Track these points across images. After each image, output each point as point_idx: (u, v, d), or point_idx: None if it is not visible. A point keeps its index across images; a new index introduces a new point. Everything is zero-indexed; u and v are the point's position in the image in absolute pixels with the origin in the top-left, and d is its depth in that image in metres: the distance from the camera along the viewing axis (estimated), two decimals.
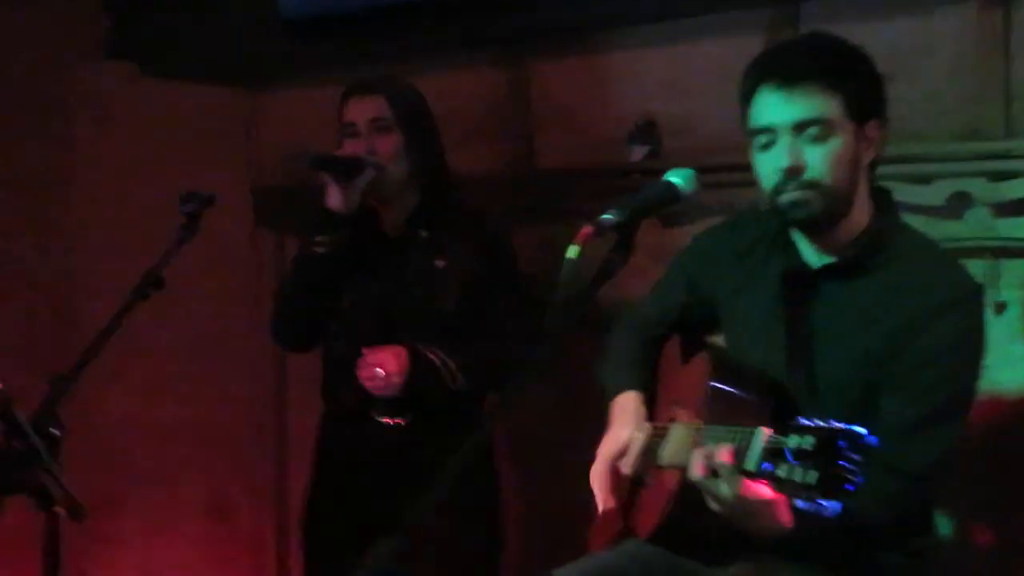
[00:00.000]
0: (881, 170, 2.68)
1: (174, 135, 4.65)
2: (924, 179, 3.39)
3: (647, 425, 2.72)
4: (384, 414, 3.45)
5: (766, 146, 2.55)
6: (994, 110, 3.36)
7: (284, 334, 3.68)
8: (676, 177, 2.47)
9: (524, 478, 4.00)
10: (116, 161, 4.65)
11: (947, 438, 2.51)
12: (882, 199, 2.65)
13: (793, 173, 2.52)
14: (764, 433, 2.22)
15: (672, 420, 2.70)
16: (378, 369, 3.36)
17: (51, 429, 2.71)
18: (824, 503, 2.10)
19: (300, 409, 4.45)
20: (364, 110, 3.47)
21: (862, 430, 2.10)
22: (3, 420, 2.65)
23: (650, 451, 2.70)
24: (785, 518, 2.34)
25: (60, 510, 2.61)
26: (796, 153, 2.52)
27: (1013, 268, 3.34)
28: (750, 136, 2.59)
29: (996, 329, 2.94)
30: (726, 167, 3.46)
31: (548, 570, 2.64)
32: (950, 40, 3.42)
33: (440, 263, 3.46)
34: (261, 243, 4.72)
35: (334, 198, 3.42)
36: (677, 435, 2.64)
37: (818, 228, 2.58)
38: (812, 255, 2.63)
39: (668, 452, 2.64)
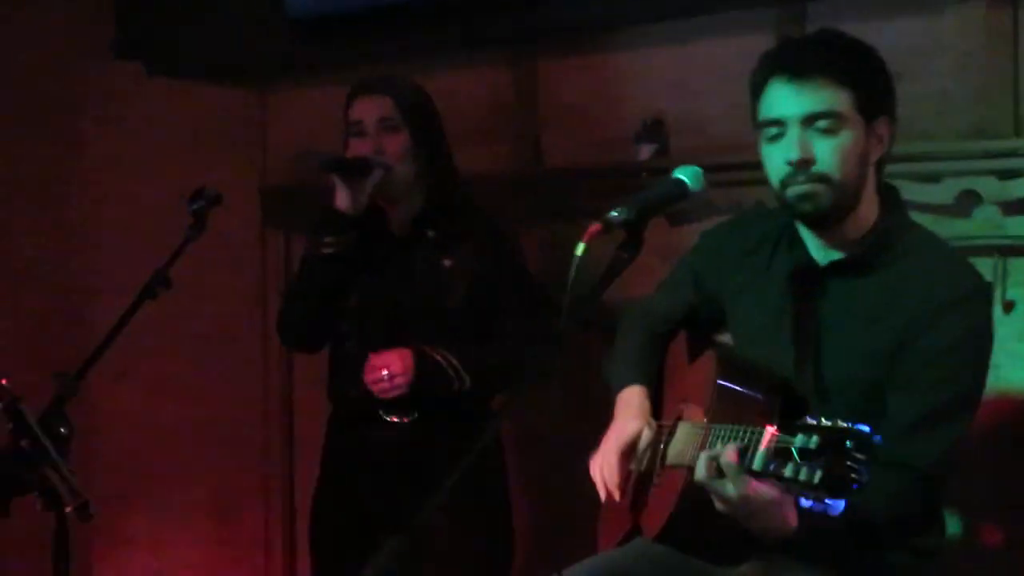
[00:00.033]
0: (889, 169, 2.68)
1: (181, 135, 4.66)
2: (933, 177, 3.39)
3: (652, 422, 2.72)
4: (391, 412, 3.45)
5: (775, 138, 2.55)
6: (1002, 108, 3.36)
7: (291, 335, 3.68)
8: (684, 174, 2.47)
9: (532, 477, 4.00)
10: (124, 161, 4.66)
11: (953, 435, 2.50)
12: (890, 197, 2.64)
13: (802, 165, 2.51)
14: (770, 432, 2.22)
15: (679, 419, 2.70)
16: (384, 371, 3.36)
17: (59, 428, 2.71)
18: (830, 502, 2.10)
19: (307, 409, 4.45)
20: (371, 109, 3.47)
21: (868, 429, 2.10)
22: (11, 419, 2.65)
23: (657, 449, 2.70)
24: (791, 518, 2.33)
25: (69, 509, 2.60)
26: (806, 145, 2.51)
27: (1021, 267, 3.33)
28: (759, 128, 2.58)
29: (1004, 328, 2.94)
30: (734, 166, 3.47)
31: (556, 569, 2.64)
32: (958, 39, 3.42)
33: (447, 262, 3.46)
34: (269, 243, 4.73)
35: (342, 199, 3.42)
36: (684, 434, 2.63)
37: (826, 223, 2.58)
38: (819, 252, 2.63)
39: (675, 451, 2.64)
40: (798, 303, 2.63)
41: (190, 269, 3.17)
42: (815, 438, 2.12)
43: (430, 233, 3.49)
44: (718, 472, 2.31)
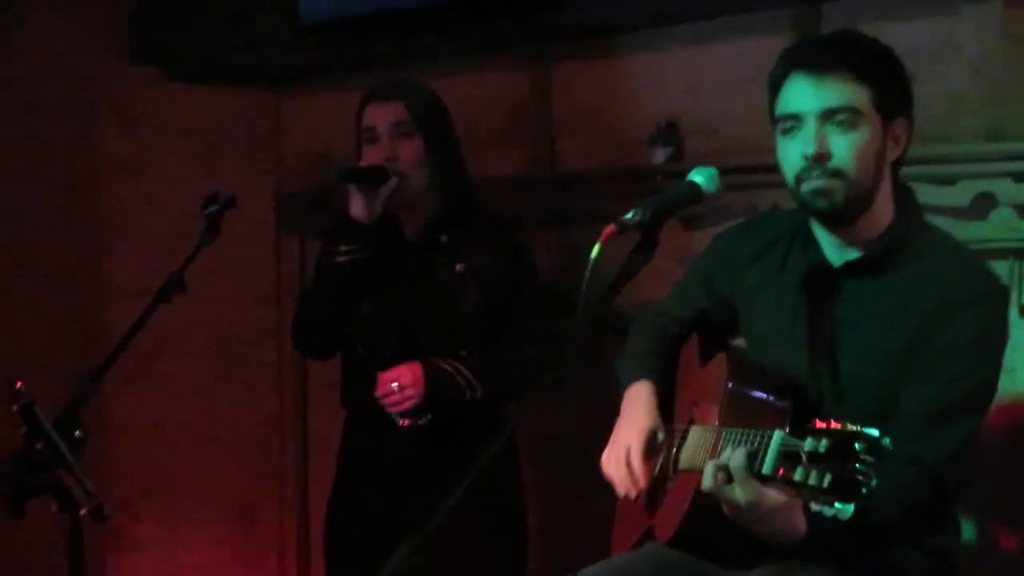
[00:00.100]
0: (905, 171, 2.67)
1: (197, 139, 4.68)
2: (948, 180, 3.38)
3: (658, 418, 2.71)
4: (404, 416, 3.45)
5: (792, 133, 2.54)
6: (1018, 110, 3.35)
7: (305, 342, 3.68)
8: (699, 176, 2.47)
9: (546, 479, 3.99)
10: (140, 165, 4.68)
11: (966, 431, 2.50)
12: (906, 197, 2.64)
13: (818, 160, 2.51)
14: (780, 436, 2.22)
15: (691, 422, 2.69)
16: (394, 383, 3.36)
17: (74, 430, 2.71)
18: (839, 506, 2.09)
19: (323, 413, 4.45)
20: (384, 115, 3.47)
21: (876, 432, 2.09)
22: (26, 421, 2.65)
23: (670, 453, 2.69)
24: (800, 523, 2.33)
25: (83, 511, 2.61)
26: (822, 140, 2.51)
27: None
28: (776, 123, 2.58)
29: (1020, 331, 2.93)
30: (749, 169, 3.47)
31: (570, 571, 2.63)
32: (974, 40, 3.41)
33: (459, 267, 3.46)
34: (283, 247, 4.73)
35: (357, 208, 3.42)
36: (696, 437, 2.63)
37: (840, 220, 2.57)
38: (834, 252, 2.62)
39: (687, 455, 2.63)
40: (812, 304, 2.62)
41: (205, 273, 3.18)
42: (824, 442, 2.11)
43: (443, 238, 3.50)
44: (727, 478, 2.31)
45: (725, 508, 2.35)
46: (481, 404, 3.41)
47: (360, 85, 3.64)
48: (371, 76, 3.78)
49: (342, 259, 3.44)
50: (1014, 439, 3.27)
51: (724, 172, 2.51)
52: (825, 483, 2.09)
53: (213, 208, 3.17)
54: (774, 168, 2.63)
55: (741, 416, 2.49)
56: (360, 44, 4.29)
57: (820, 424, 2.14)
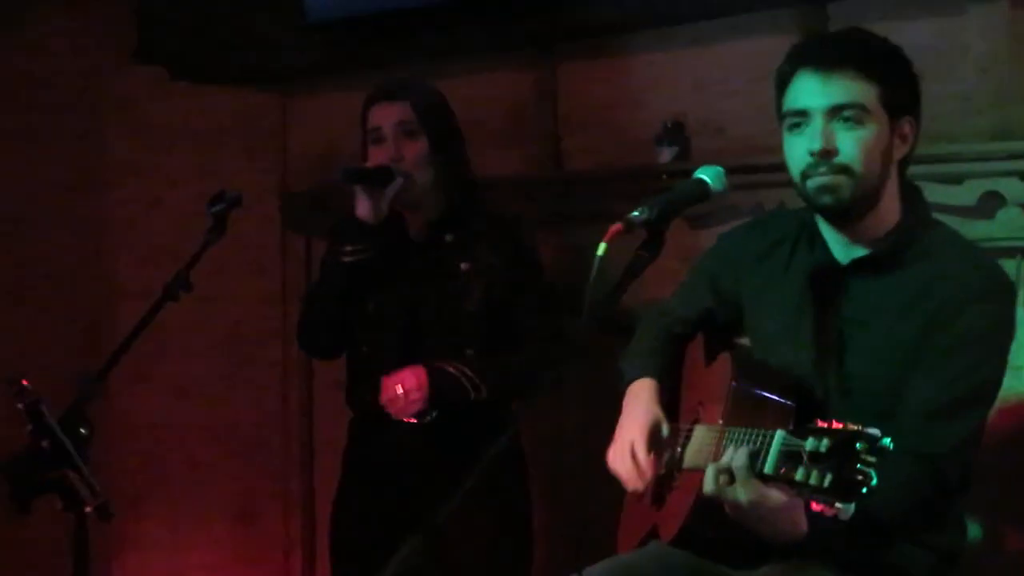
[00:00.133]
0: (912, 170, 2.67)
1: (203, 139, 4.68)
2: (955, 179, 3.38)
3: (661, 413, 2.71)
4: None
5: (799, 129, 2.54)
6: None
7: (311, 342, 3.68)
8: (706, 174, 2.48)
9: (552, 478, 3.99)
10: (145, 165, 4.68)
11: (969, 427, 2.50)
12: (913, 196, 2.64)
13: (824, 156, 2.51)
14: (781, 436, 2.21)
15: (696, 422, 2.69)
16: (398, 388, 3.36)
17: (79, 429, 2.71)
18: (840, 506, 2.09)
19: (328, 412, 4.45)
20: (389, 115, 3.47)
21: (878, 432, 2.09)
22: (32, 419, 2.66)
23: (675, 452, 2.69)
24: (801, 522, 2.33)
25: (89, 509, 2.61)
26: (829, 136, 2.51)
27: None
28: (783, 119, 2.58)
29: None
30: (755, 168, 3.47)
31: (576, 570, 2.63)
32: (981, 40, 3.41)
33: (464, 265, 3.46)
34: (289, 247, 4.73)
35: (363, 208, 3.42)
36: (700, 437, 2.63)
37: (846, 217, 2.57)
38: (841, 250, 2.61)
39: (691, 454, 2.63)
40: (819, 302, 2.62)
41: (211, 273, 3.18)
42: (825, 441, 2.11)
43: (448, 237, 3.50)
44: (728, 479, 2.31)
45: (727, 508, 2.35)
46: (486, 404, 3.41)
47: (365, 84, 3.63)
48: (376, 75, 3.77)
49: (348, 259, 3.45)
50: (1020, 439, 3.26)
51: (730, 171, 2.52)
52: (825, 483, 2.09)
53: (220, 206, 3.17)
54: (780, 167, 2.63)
55: (745, 415, 2.48)
56: (365, 43, 4.29)
57: (822, 424, 2.14)
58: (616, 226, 2.36)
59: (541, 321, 3.46)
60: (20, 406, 2.65)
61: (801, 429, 2.17)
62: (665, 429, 2.69)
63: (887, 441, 2.09)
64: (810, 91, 2.52)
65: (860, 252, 2.59)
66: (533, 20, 4.03)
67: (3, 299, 4.57)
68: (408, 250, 3.53)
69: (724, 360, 2.70)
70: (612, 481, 2.73)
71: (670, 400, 2.80)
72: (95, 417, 2.79)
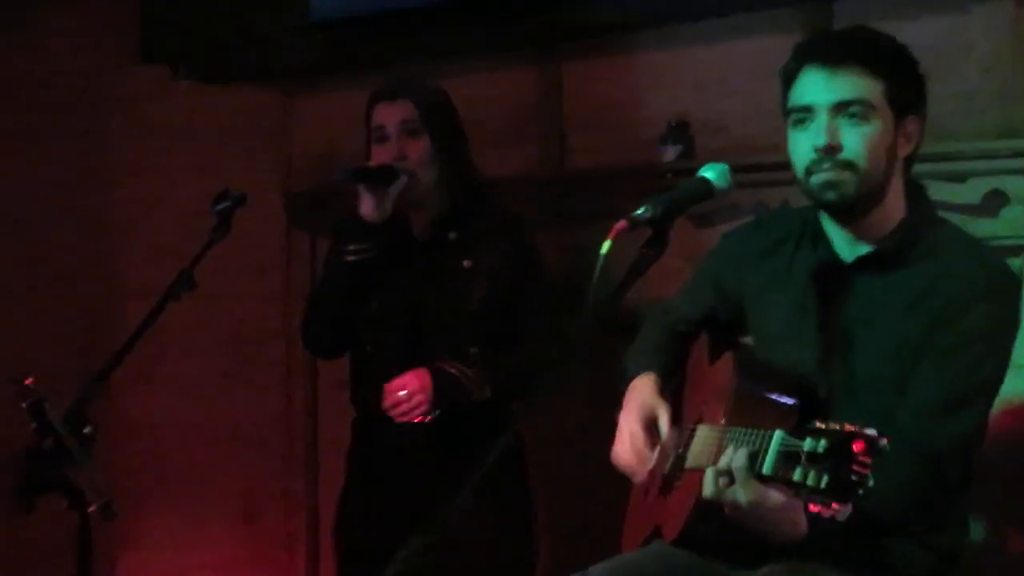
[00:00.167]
0: (917, 168, 2.67)
1: (206, 138, 4.68)
2: (959, 177, 3.38)
3: (662, 404, 2.71)
4: None
5: (804, 124, 2.54)
6: None
7: (315, 341, 3.68)
8: (710, 172, 2.47)
9: (556, 477, 3.98)
10: (149, 164, 4.69)
11: (970, 423, 2.50)
12: (917, 194, 2.63)
13: (829, 152, 2.50)
14: (779, 436, 2.21)
15: (699, 421, 2.69)
16: (401, 392, 3.35)
17: (83, 428, 2.71)
18: (837, 507, 2.09)
19: (332, 411, 4.45)
20: (392, 114, 3.47)
21: (875, 432, 2.09)
22: (35, 418, 2.66)
23: (678, 452, 2.69)
24: (801, 522, 2.33)
25: (92, 508, 2.61)
26: (834, 133, 2.51)
27: None
28: (788, 115, 2.58)
29: None
30: (759, 167, 3.47)
31: (580, 569, 2.63)
32: (985, 38, 3.41)
33: (467, 263, 3.46)
34: (294, 246, 4.73)
35: (367, 207, 3.42)
36: (703, 437, 2.63)
37: (850, 214, 2.56)
38: (846, 248, 2.61)
39: (694, 454, 2.63)
40: (823, 300, 2.62)
41: (215, 272, 3.17)
42: (823, 442, 2.11)
43: (451, 235, 3.50)
44: (728, 481, 2.31)
45: (727, 509, 2.35)
46: (490, 403, 3.40)
47: (370, 83, 3.63)
48: (381, 74, 3.77)
49: (351, 258, 3.45)
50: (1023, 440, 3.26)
51: (734, 170, 2.51)
52: (823, 484, 2.09)
53: (225, 204, 3.17)
54: (785, 166, 2.63)
55: (747, 415, 2.47)
56: (368, 42, 4.29)
57: (820, 424, 2.14)
58: (620, 224, 2.35)
59: (541, 321, 3.46)
60: (24, 405, 2.65)
61: (800, 429, 2.16)
62: (664, 418, 2.68)
63: (885, 442, 2.08)
64: (815, 87, 2.52)
65: (865, 249, 2.59)
66: (534, 20, 4.03)
67: (4, 299, 4.57)
68: (411, 249, 3.53)
69: (727, 359, 2.69)
70: (614, 481, 2.73)
71: (674, 399, 2.79)
72: (98, 416, 2.80)
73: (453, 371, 3.39)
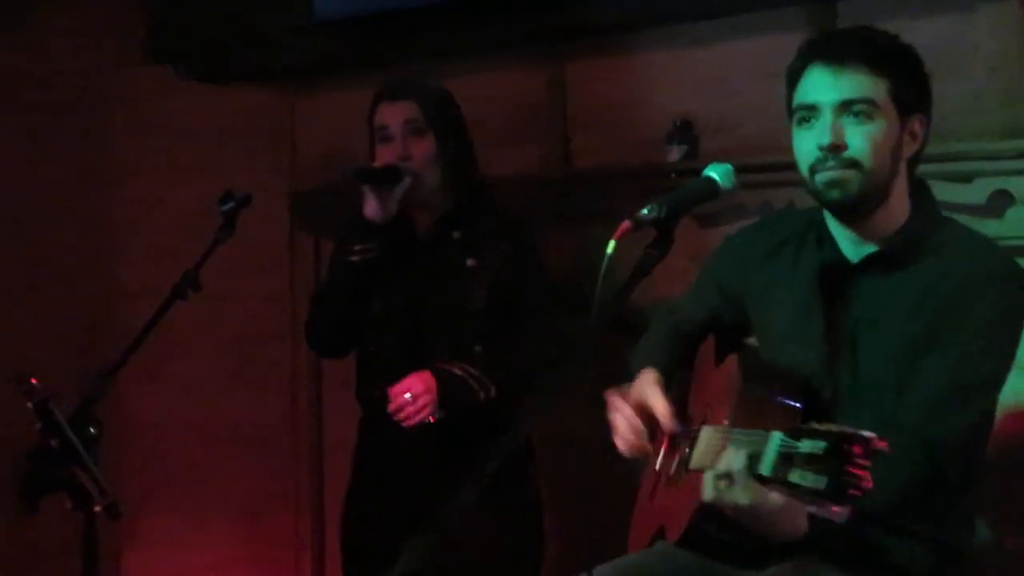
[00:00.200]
0: (922, 169, 2.66)
1: (210, 138, 4.68)
2: (965, 178, 3.37)
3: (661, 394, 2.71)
4: None
5: (808, 123, 2.54)
6: None
7: (319, 341, 3.69)
8: (715, 172, 2.47)
9: (562, 477, 3.98)
10: (152, 164, 4.69)
11: (973, 414, 2.49)
12: (922, 193, 2.63)
13: (833, 150, 2.51)
14: (778, 438, 2.21)
15: (704, 422, 2.69)
16: (407, 395, 3.35)
17: (88, 428, 2.71)
18: (835, 509, 2.08)
19: (337, 411, 4.45)
20: (396, 114, 3.48)
21: (873, 434, 2.08)
22: (41, 418, 2.65)
23: (682, 453, 2.69)
24: (801, 523, 2.33)
25: (98, 508, 2.61)
26: (838, 131, 2.51)
27: None
28: (793, 114, 2.58)
29: None
30: (764, 167, 3.47)
31: (586, 569, 2.63)
32: (991, 38, 3.41)
33: (470, 262, 3.47)
34: (298, 246, 4.73)
35: (372, 208, 3.43)
36: (706, 438, 2.62)
37: (855, 213, 2.56)
38: (851, 247, 2.61)
39: (697, 455, 2.63)
40: (827, 301, 2.62)
41: (220, 272, 3.18)
42: (821, 444, 2.10)
43: (455, 235, 3.50)
44: (728, 483, 2.30)
45: (727, 510, 2.35)
46: (496, 402, 3.40)
47: (371, 83, 3.63)
48: (384, 73, 3.77)
49: (356, 259, 3.45)
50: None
51: (739, 170, 2.50)
52: (820, 485, 2.08)
53: (230, 205, 3.17)
54: (790, 166, 2.63)
55: (751, 416, 2.47)
56: (372, 42, 4.28)
57: (818, 426, 2.13)
58: (625, 224, 2.35)
59: (541, 321, 3.46)
60: (29, 405, 2.64)
61: (798, 431, 2.16)
62: (660, 399, 2.66)
63: (883, 445, 2.08)
64: (820, 85, 2.53)
65: (870, 249, 2.58)
66: (536, 20, 4.02)
67: (4, 299, 4.57)
68: (415, 249, 3.53)
69: (731, 361, 2.69)
70: (616, 481, 2.73)
71: (680, 401, 2.79)
72: (105, 416, 2.80)
73: (458, 372, 3.39)
